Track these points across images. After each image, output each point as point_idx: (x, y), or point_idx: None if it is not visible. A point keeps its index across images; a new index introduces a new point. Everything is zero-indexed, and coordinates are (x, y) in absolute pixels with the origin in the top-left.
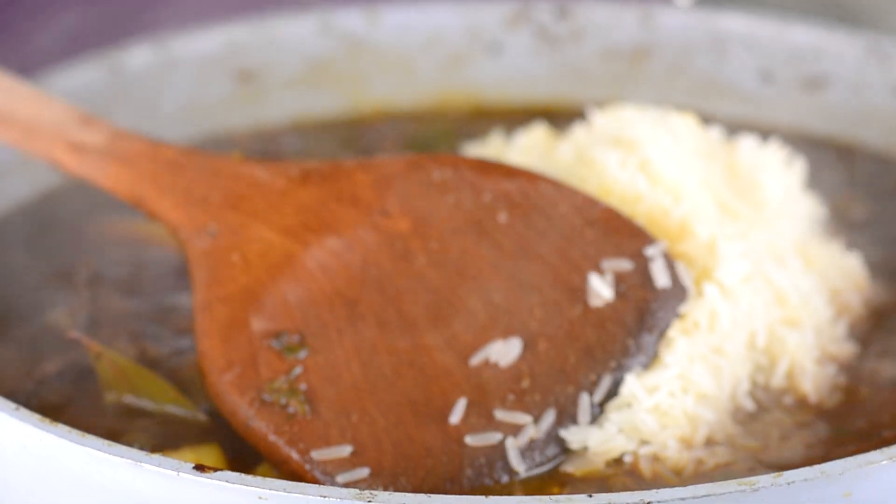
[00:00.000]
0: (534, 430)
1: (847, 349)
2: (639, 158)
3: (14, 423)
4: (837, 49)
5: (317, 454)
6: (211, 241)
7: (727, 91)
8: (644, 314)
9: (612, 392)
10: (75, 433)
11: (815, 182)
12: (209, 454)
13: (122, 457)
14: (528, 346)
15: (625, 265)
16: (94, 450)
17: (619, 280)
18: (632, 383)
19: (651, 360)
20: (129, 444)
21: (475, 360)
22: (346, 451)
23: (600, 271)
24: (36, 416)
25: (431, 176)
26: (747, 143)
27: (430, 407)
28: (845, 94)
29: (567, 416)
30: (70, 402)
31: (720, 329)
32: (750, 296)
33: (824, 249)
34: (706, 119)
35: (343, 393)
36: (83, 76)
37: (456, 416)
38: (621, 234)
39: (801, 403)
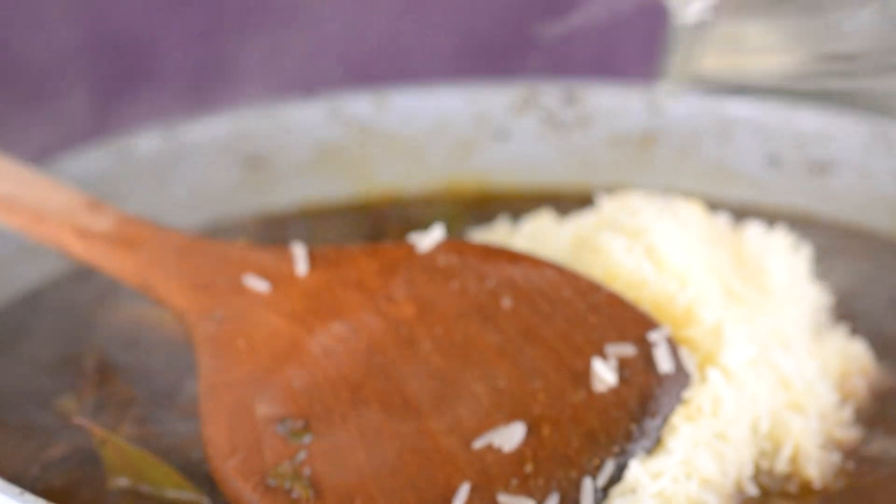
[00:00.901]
0: None
1: (852, 434)
2: (645, 244)
3: None
4: (844, 134)
5: None
6: (216, 326)
7: (734, 175)
8: (647, 399)
9: (616, 477)
10: None
11: (820, 266)
12: None
13: None
14: (532, 431)
15: (628, 350)
16: None
17: (623, 365)
18: (636, 469)
19: (654, 445)
20: None
21: (479, 445)
22: None
23: (604, 356)
24: (41, 501)
25: (436, 262)
26: (754, 230)
27: (434, 491)
28: (851, 179)
29: (570, 500)
30: (75, 487)
31: (724, 414)
32: (754, 380)
33: (830, 334)
34: (713, 203)
35: (347, 477)
36: (92, 161)
37: (459, 501)
38: (625, 319)
39: (806, 489)
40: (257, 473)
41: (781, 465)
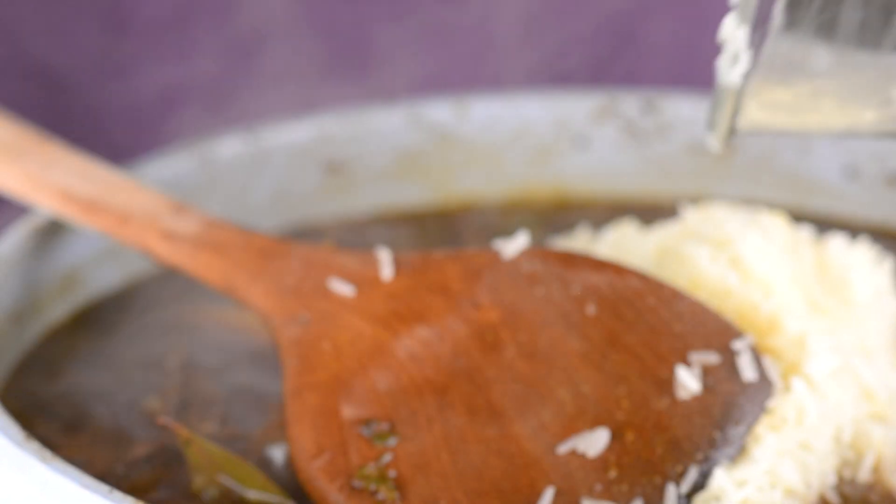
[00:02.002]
0: None
1: None
2: (729, 254)
3: None
4: None
5: None
6: (302, 329)
7: (812, 186)
8: (731, 407)
9: (699, 484)
10: None
11: None
12: None
13: None
14: (616, 437)
15: (712, 358)
16: None
17: (706, 373)
18: (720, 477)
19: (738, 453)
20: None
21: (563, 450)
22: None
23: (688, 364)
24: (129, 499)
25: (521, 268)
26: (837, 242)
27: (518, 495)
28: None
29: None
30: (159, 486)
31: (808, 424)
32: (838, 390)
33: None
34: (791, 213)
35: (432, 480)
36: (175, 166)
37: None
38: (708, 327)
39: (888, 498)
40: (343, 474)
41: (864, 475)
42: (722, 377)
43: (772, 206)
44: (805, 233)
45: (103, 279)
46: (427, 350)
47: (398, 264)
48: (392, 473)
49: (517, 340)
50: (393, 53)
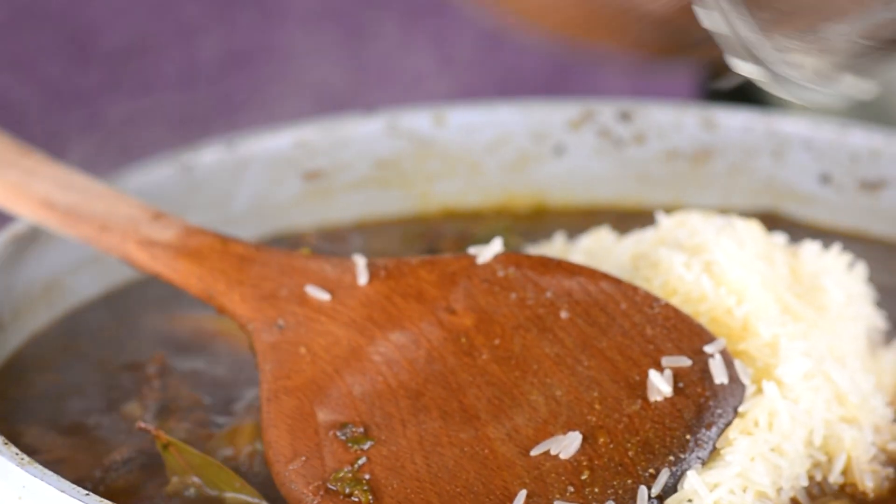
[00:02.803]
0: None
1: None
2: (703, 260)
3: None
4: (894, 152)
5: None
6: (279, 333)
7: (787, 192)
8: (702, 410)
9: (671, 487)
10: None
11: (874, 283)
12: None
13: None
14: (588, 440)
15: (684, 362)
16: None
17: (678, 376)
18: (693, 479)
19: (709, 456)
20: None
21: (536, 452)
22: None
23: (660, 368)
24: (105, 502)
25: (495, 274)
26: (810, 248)
27: (491, 497)
28: None
29: None
30: (136, 490)
31: (780, 428)
32: (810, 393)
33: (884, 351)
34: (766, 220)
35: (406, 483)
36: (156, 174)
37: None
38: (681, 331)
39: (859, 500)
40: (318, 478)
41: (835, 478)
42: (694, 381)
43: (747, 212)
44: (779, 239)
45: (84, 286)
46: (402, 355)
47: (373, 270)
48: (366, 476)
49: (491, 345)
50: (358, 87)
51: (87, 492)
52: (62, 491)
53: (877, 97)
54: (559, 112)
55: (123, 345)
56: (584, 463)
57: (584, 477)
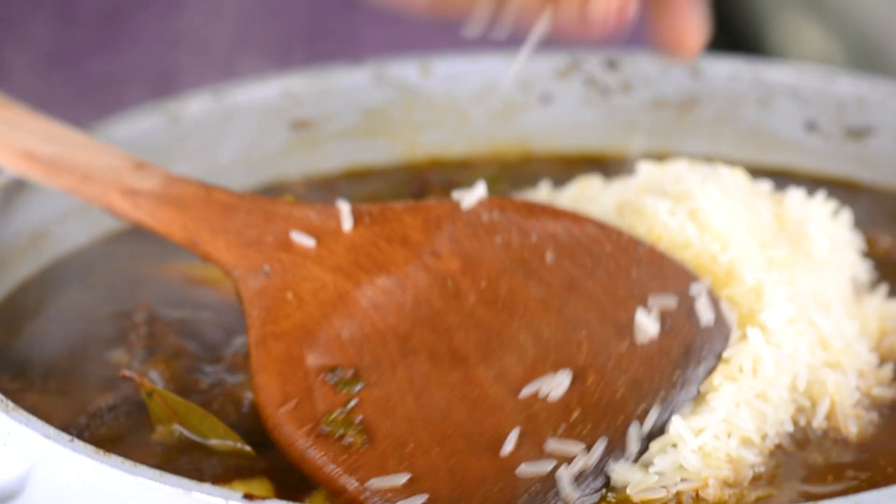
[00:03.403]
0: (585, 459)
1: (891, 394)
2: (688, 207)
3: (68, 455)
4: (881, 99)
5: (374, 482)
6: (265, 279)
7: (773, 140)
8: (689, 349)
9: (660, 428)
10: (128, 464)
11: (859, 229)
12: (259, 487)
13: (173, 486)
14: (578, 379)
15: (670, 302)
16: (145, 479)
17: (665, 316)
18: (678, 424)
19: (696, 395)
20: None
21: (526, 393)
22: (402, 479)
23: (647, 308)
24: (90, 448)
25: (480, 218)
26: (795, 196)
27: (484, 437)
28: (889, 144)
29: (617, 445)
30: (121, 437)
31: (764, 374)
32: (794, 338)
33: (869, 296)
34: (753, 167)
35: (398, 424)
36: (141, 125)
37: (509, 446)
38: (666, 272)
39: (843, 443)
40: (310, 420)
41: (818, 423)
42: (680, 320)
43: (732, 161)
44: (764, 186)
45: (72, 235)
46: (389, 299)
47: (358, 216)
48: (358, 418)
49: (477, 288)
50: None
51: (71, 437)
52: (47, 437)
53: (864, 44)
54: (546, 61)
55: (111, 293)
56: (575, 402)
57: (574, 416)
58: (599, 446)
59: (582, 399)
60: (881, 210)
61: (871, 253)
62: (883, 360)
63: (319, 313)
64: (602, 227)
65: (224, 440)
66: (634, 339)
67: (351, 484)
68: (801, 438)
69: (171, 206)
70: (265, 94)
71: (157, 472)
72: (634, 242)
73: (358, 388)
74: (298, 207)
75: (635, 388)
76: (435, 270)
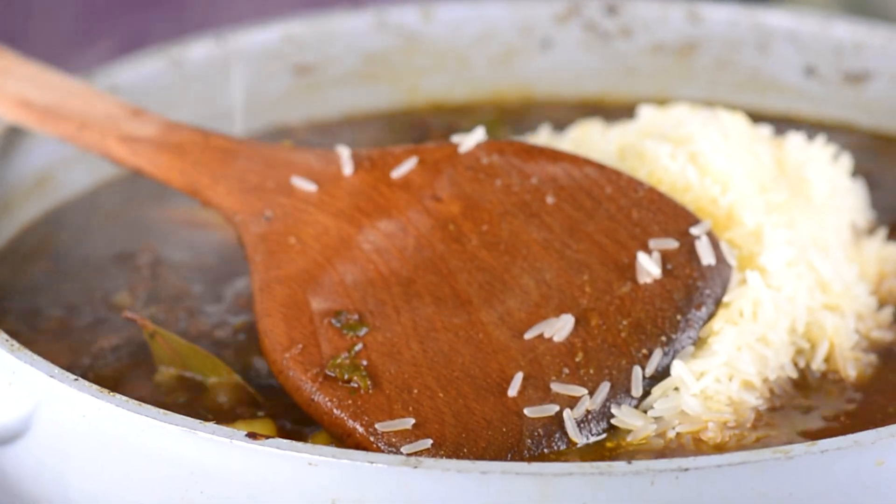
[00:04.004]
0: (589, 402)
1: (890, 336)
2: (688, 151)
3: (73, 394)
4: (879, 44)
5: (381, 426)
6: (267, 225)
7: (772, 85)
8: (691, 291)
9: (664, 368)
10: (132, 403)
11: (858, 173)
12: (262, 427)
13: (177, 425)
14: (581, 322)
15: (671, 244)
16: (149, 418)
17: (666, 258)
18: (679, 367)
19: (698, 338)
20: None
21: (529, 336)
22: (408, 423)
23: (648, 250)
24: (94, 387)
25: (479, 161)
26: (795, 140)
27: (488, 381)
28: (887, 88)
29: (621, 388)
30: (124, 377)
31: (764, 318)
32: (793, 281)
33: (868, 240)
34: (752, 112)
35: (403, 368)
36: (143, 69)
37: (513, 389)
38: (666, 214)
39: (842, 385)
40: (315, 364)
41: (817, 365)
42: (681, 262)
43: (732, 105)
44: (764, 131)
45: (75, 179)
46: (391, 243)
47: (358, 160)
48: (364, 362)
49: (479, 231)
50: None
51: (76, 377)
52: (52, 376)
53: None
54: (546, 6)
55: (114, 236)
56: (578, 345)
57: (578, 358)
58: (603, 389)
59: (585, 342)
60: (879, 154)
61: (869, 196)
62: (882, 304)
63: (323, 258)
64: (602, 168)
65: (227, 380)
66: (636, 281)
67: (358, 427)
68: (800, 380)
69: (170, 152)
70: (267, 38)
71: (161, 412)
72: (634, 184)
73: (363, 332)
74: (299, 152)
75: (638, 330)
76: (436, 214)
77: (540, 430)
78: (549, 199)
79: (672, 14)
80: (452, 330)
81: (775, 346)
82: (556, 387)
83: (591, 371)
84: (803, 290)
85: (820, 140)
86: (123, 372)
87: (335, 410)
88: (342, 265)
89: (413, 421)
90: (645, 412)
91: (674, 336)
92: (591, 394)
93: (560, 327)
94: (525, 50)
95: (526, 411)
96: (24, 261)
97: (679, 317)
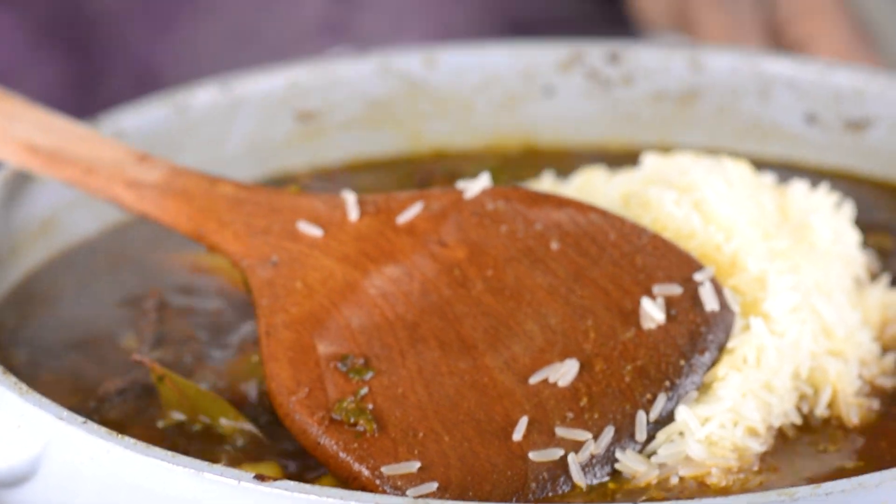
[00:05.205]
0: (594, 447)
1: (893, 382)
2: (693, 198)
3: (82, 436)
4: (878, 91)
5: (387, 470)
6: (273, 269)
7: (774, 132)
8: (695, 336)
9: (668, 414)
10: (140, 445)
11: (861, 220)
12: (268, 469)
13: (186, 467)
14: (585, 367)
15: (675, 290)
16: (158, 460)
17: (670, 304)
18: (685, 413)
19: (701, 383)
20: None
21: (534, 380)
22: (414, 466)
23: (652, 296)
24: (103, 429)
25: (485, 207)
26: (798, 188)
27: (493, 425)
28: (888, 135)
29: (625, 432)
30: (130, 420)
31: (768, 364)
32: (797, 326)
33: (871, 286)
34: (754, 159)
35: (409, 412)
36: (148, 115)
37: (518, 433)
38: (670, 260)
39: (844, 430)
40: (321, 408)
41: (821, 411)
42: (685, 307)
43: (734, 152)
44: (767, 178)
45: (81, 224)
46: (397, 287)
47: (364, 205)
48: (370, 406)
49: (484, 276)
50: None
51: (84, 419)
52: (60, 419)
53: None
54: (548, 53)
55: (120, 281)
56: (583, 390)
57: (582, 403)
58: (607, 433)
59: (590, 387)
60: (880, 201)
61: (872, 244)
62: (886, 350)
63: (329, 302)
64: (606, 215)
65: (234, 423)
66: (640, 327)
67: (364, 470)
68: (804, 425)
69: (177, 198)
70: (271, 84)
71: (169, 454)
72: (638, 230)
73: (368, 376)
74: (304, 198)
75: (642, 375)
76: (442, 259)
77: (545, 473)
78: (554, 245)
79: (674, 62)
80: (458, 374)
81: (779, 393)
82: (560, 431)
83: (596, 415)
84: (807, 335)
85: (823, 188)
86: (129, 415)
87: (341, 453)
88: (348, 309)
89: (419, 464)
90: (649, 457)
91: (677, 381)
92: (595, 438)
93: (564, 372)
94: (527, 97)
95: (531, 455)
96: (32, 304)
97: (683, 362)
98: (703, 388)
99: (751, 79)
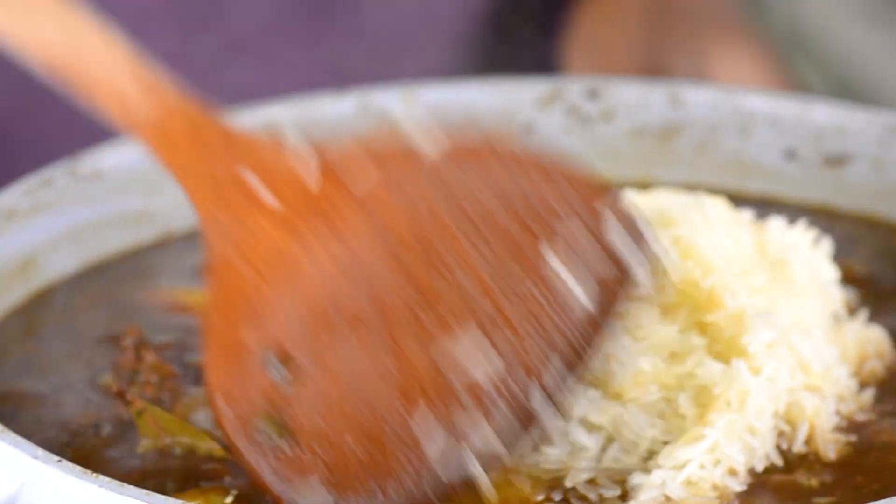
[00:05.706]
0: (491, 433)
1: (870, 417)
2: (671, 235)
3: (58, 475)
4: (858, 128)
5: (293, 485)
6: (219, 244)
7: (753, 168)
8: (608, 291)
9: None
10: (115, 483)
11: (839, 256)
12: (214, 494)
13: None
14: (488, 334)
15: (587, 243)
16: (132, 499)
17: (576, 263)
18: (663, 457)
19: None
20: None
21: (442, 363)
22: (320, 477)
23: (556, 254)
24: (78, 468)
25: (442, 175)
26: (776, 224)
27: (403, 427)
28: (867, 171)
29: (526, 407)
30: (103, 454)
31: (752, 407)
32: (774, 362)
33: (849, 322)
34: (733, 195)
35: (324, 419)
36: (129, 154)
37: (420, 424)
38: (579, 196)
39: (822, 464)
40: (247, 423)
41: (798, 447)
42: (593, 262)
43: (713, 188)
44: (745, 215)
45: (60, 262)
46: (338, 269)
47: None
48: (286, 415)
49: (423, 251)
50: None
51: (59, 458)
52: (35, 458)
53: (842, 77)
54: (528, 90)
55: (99, 319)
56: (489, 376)
57: (486, 387)
58: (504, 418)
59: (495, 372)
60: (859, 237)
61: (850, 280)
62: (863, 385)
63: (263, 281)
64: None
65: (215, 451)
66: (546, 289)
67: (273, 484)
68: (783, 463)
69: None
70: (250, 121)
71: (143, 492)
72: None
73: (291, 387)
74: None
75: (545, 342)
76: (385, 237)
77: (445, 464)
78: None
79: (653, 98)
80: (377, 370)
81: (762, 435)
82: (461, 418)
83: (499, 388)
84: (784, 371)
85: (801, 225)
86: (101, 449)
87: (252, 463)
88: (283, 291)
89: (326, 475)
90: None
91: (584, 342)
92: (493, 423)
93: (472, 357)
94: (507, 134)
95: (430, 448)
96: (9, 341)
97: (594, 319)
98: (687, 429)
99: (730, 115)
